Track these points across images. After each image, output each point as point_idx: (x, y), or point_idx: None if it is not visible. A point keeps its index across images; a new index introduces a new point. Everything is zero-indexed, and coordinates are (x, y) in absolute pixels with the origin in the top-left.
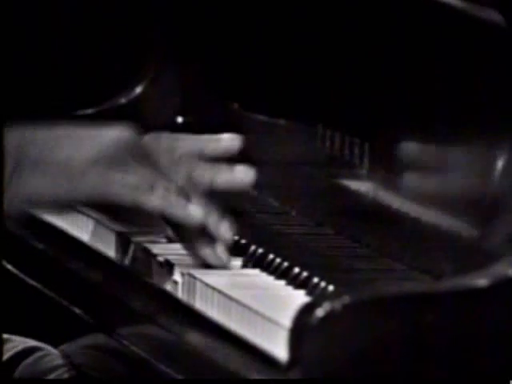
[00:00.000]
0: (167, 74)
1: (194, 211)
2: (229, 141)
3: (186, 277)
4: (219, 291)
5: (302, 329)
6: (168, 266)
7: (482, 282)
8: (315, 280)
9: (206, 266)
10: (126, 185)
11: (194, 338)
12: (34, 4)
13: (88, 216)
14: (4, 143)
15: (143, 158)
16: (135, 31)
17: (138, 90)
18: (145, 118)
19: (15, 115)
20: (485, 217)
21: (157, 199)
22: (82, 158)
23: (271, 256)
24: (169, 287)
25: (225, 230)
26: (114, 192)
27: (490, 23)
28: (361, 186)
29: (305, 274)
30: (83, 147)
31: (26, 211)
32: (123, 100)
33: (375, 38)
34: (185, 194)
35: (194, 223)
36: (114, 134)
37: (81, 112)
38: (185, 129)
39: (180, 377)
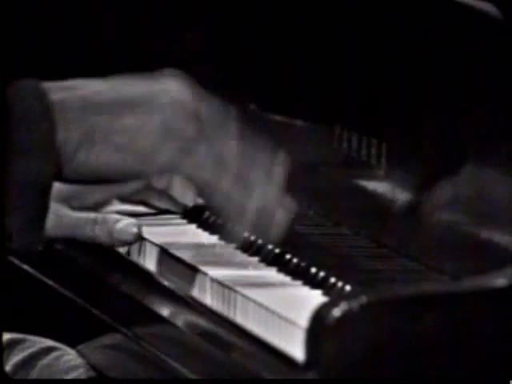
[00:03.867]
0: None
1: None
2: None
3: (202, 277)
4: (236, 291)
5: (318, 329)
6: (187, 268)
7: (500, 281)
8: (332, 280)
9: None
10: (198, 167)
11: (211, 338)
12: (42, 4)
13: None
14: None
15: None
16: (152, 32)
17: None
18: None
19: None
20: (503, 216)
21: (227, 186)
22: (150, 131)
23: (288, 256)
24: (184, 288)
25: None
26: (187, 173)
27: (489, 18)
28: (378, 187)
29: (322, 274)
30: (149, 118)
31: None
32: None
33: (390, 39)
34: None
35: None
36: (175, 99)
37: None
38: None
39: (196, 377)
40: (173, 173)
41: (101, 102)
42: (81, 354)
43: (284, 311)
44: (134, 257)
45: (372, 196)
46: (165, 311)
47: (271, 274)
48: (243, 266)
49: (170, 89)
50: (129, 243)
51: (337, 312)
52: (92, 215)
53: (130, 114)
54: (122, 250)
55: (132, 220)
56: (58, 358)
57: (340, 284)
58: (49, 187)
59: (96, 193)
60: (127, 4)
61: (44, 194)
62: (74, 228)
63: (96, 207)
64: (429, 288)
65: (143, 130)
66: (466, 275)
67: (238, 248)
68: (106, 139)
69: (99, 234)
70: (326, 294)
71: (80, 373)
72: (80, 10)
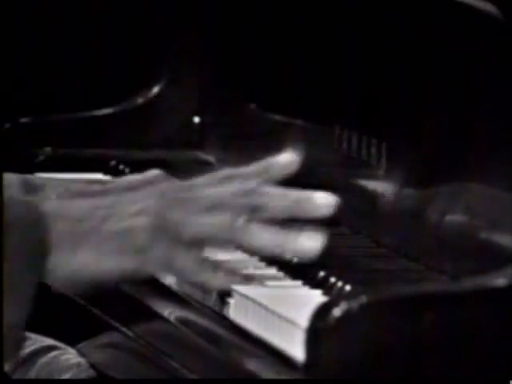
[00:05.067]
0: (184, 74)
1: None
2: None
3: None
4: (236, 291)
5: (318, 329)
6: None
7: (500, 281)
8: (332, 280)
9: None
10: (191, 262)
11: (211, 338)
12: (54, 4)
13: None
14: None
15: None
16: (152, 32)
17: (155, 90)
18: (161, 119)
19: (33, 115)
20: (502, 216)
21: (221, 280)
22: (138, 229)
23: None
24: (184, 286)
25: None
26: (179, 268)
27: (489, 18)
28: (378, 187)
29: (322, 273)
30: (138, 218)
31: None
32: (140, 100)
33: (390, 38)
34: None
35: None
36: (154, 193)
37: (98, 112)
38: (201, 129)
39: (196, 376)
40: (167, 271)
41: (87, 211)
42: (81, 352)
43: (284, 311)
44: None
45: (372, 196)
46: (164, 311)
47: (271, 273)
48: (243, 265)
49: (146, 193)
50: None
51: (337, 312)
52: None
53: (115, 219)
54: None
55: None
56: (57, 357)
57: (340, 284)
58: (32, 295)
59: None
60: (127, 4)
61: (27, 302)
62: None
63: None
64: (428, 288)
65: (131, 231)
66: (466, 275)
67: (238, 248)
68: (94, 245)
69: None
70: (325, 293)
71: (80, 371)
72: (80, 10)
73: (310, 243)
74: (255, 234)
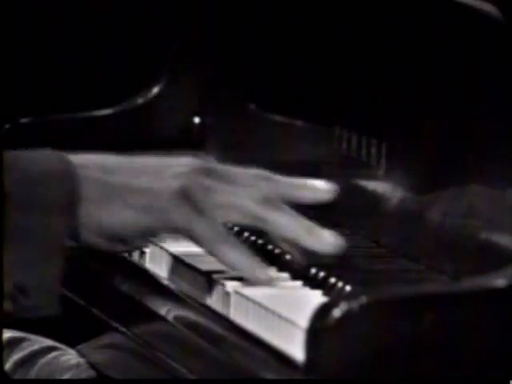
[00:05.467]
0: (184, 74)
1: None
2: (323, 191)
3: (202, 277)
4: (236, 291)
5: (318, 329)
6: (184, 266)
7: (500, 282)
8: (332, 280)
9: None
10: (209, 230)
11: (211, 338)
12: (54, 4)
13: None
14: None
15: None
16: (152, 32)
17: (155, 90)
18: (161, 119)
19: (33, 115)
20: (502, 217)
21: (232, 254)
22: (164, 188)
23: (288, 256)
24: (183, 287)
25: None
26: (197, 234)
27: (489, 18)
28: (378, 187)
29: (322, 274)
30: (164, 177)
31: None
32: (140, 100)
33: (390, 38)
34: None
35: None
36: (190, 163)
37: (98, 112)
38: (201, 129)
39: (196, 377)
40: (186, 233)
41: (119, 166)
42: (81, 353)
43: (284, 311)
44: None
45: (372, 196)
46: (164, 311)
47: (271, 274)
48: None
49: (185, 161)
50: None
51: (337, 312)
52: None
53: (146, 177)
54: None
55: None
56: (57, 357)
57: (340, 284)
58: (65, 246)
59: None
60: (127, 4)
61: (61, 252)
62: None
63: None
64: (428, 288)
65: (158, 191)
66: (466, 275)
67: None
68: (122, 199)
69: None
70: (325, 294)
71: (80, 372)
72: (80, 10)
73: (333, 239)
74: (281, 215)
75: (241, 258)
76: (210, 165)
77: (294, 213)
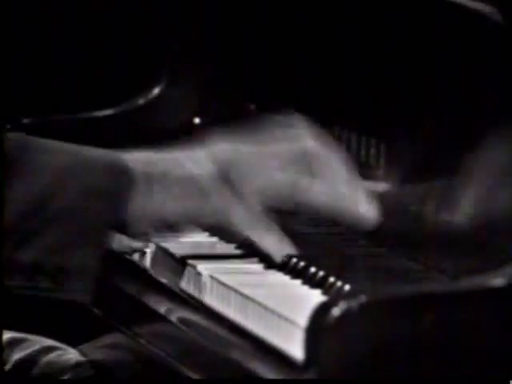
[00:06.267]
0: (184, 75)
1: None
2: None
3: (203, 276)
4: (236, 290)
5: (318, 328)
6: (185, 266)
7: (498, 281)
8: (331, 279)
9: (223, 265)
10: (247, 214)
11: (211, 338)
12: (54, 4)
13: None
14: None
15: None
16: (152, 33)
17: (156, 91)
18: (162, 119)
19: (33, 115)
20: (501, 216)
21: (267, 239)
22: (205, 176)
23: (288, 256)
24: (185, 286)
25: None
26: (235, 221)
27: (489, 19)
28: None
29: (321, 273)
30: (204, 166)
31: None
32: (140, 101)
33: (390, 39)
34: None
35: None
36: (227, 148)
37: (99, 113)
38: (202, 130)
39: (197, 376)
40: (224, 219)
41: (160, 158)
42: (82, 353)
43: (283, 310)
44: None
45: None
46: (165, 311)
47: (270, 273)
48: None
49: (221, 147)
50: None
51: (336, 311)
52: None
53: (185, 165)
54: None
55: None
56: (58, 357)
57: (339, 283)
58: (107, 233)
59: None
60: (127, 4)
61: (105, 237)
62: None
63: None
64: (427, 288)
65: (197, 177)
66: (465, 275)
67: (237, 248)
68: (165, 188)
69: None
70: (325, 293)
71: (80, 372)
72: (80, 10)
73: (370, 212)
74: (316, 194)
75: (274, 243)
76: (243, 150)
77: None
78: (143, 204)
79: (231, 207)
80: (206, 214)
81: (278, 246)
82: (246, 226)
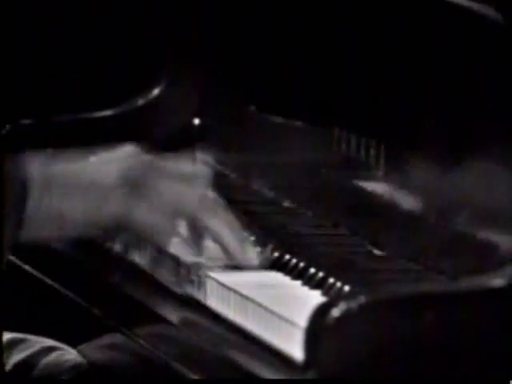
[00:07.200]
0: (184, 76)
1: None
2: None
3: (203, 277)
4: (235, 291)
5: (317, 329)
6: (185, 267)
7: (498, 281)
8: (331, 280)
9: (223, 265)
10: (149, 215)
11: (211, 338)
12: (54, 4)
13: None
14: (28, 169)
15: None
16: (152, 33)
17: (155, 91)
18: (162, 120)
19: (33, 116)
20: (501, 216)
21: (175, 240)
22: (105, 181)
23: (287, 256)
24: (185, 287)
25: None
26: (137, 219)
27: (488, 19)
28: (377, 188)
29: (321, 274)
30: (104, 171)
31: (60, 234)
32: (140, 102)
33: (390, 39)
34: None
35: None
36: (131, 155)
37: (98, 113)
38: (202, 130)
39: (196, 376)
40: (125, 222)
41: (60, 160)
42: (81, 353)
43: (283, 311)
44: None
45: (370, 197)
46: (165, 311)
47: (270, 274)
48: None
49: (127, 149)
50: None
51: (336, 312)
52: None
53: (89, 169)
54: (121, 249)
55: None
56: (58, 358)
57: (339, 284)
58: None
59: None
60: (127, 4)
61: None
62: None
63: None
64: (427, 288)
65: (99, 181)
66: (465, 275)
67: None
68: (63, 190)
69: None
70: (324, 294)
71: (80, 372)
72: (80, 10)
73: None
74: (217, 222)
75: (182, 246)
76: (148, 155)
77: (229, 219)
78: (40, 207)
79: (132, 209)
80: (104, 215)
81: (184, 249)
82: (149, 228)
